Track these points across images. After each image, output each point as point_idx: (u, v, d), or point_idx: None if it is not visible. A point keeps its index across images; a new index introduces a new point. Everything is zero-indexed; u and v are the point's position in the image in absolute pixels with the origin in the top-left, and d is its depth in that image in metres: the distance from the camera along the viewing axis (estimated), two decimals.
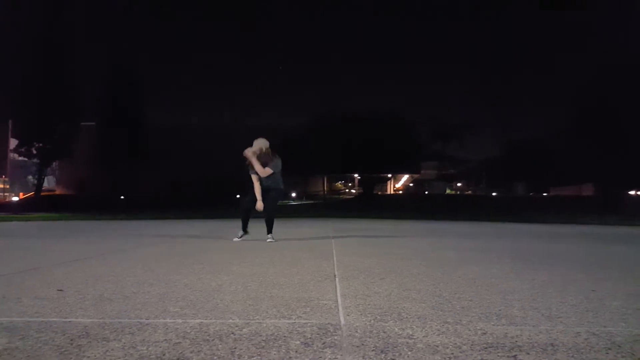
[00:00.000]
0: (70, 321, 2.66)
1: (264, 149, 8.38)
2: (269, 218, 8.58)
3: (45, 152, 44.86)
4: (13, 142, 49.96)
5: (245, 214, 8.71)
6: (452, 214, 26.72)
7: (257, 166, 8.29)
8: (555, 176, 57.85)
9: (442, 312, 2.93)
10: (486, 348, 2.20)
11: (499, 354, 2.11)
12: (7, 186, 64.22)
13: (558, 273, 4.70)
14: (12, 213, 28.57)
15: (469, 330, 2.52)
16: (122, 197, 43.38)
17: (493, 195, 60.85)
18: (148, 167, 46.48)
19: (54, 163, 54.07)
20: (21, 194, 57.12)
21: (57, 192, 59.13)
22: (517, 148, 65.20)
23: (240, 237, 8.54)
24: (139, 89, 48.41)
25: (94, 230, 12.39)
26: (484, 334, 2.45)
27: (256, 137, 8.53)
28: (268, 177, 8.37)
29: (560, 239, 10.25)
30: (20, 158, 49.53)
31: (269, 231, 8.51)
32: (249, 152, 8.34)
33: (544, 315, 2.87)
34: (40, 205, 37.42)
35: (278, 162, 8.48)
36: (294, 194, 57.36)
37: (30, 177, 56.51)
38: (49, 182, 57.89)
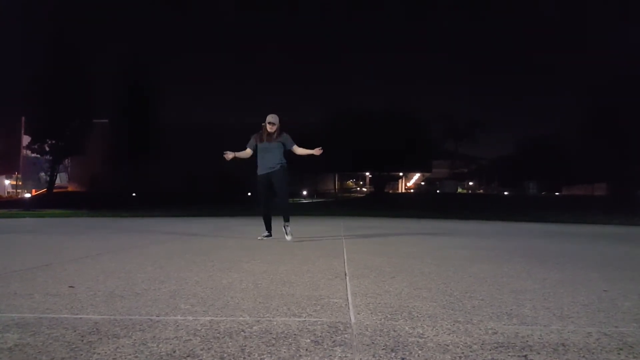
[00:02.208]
0: (81, 317, 2.68)
1: (278, 124, 8.30)
2: (283, 202, 8.36)
3: (58, 148, 45.17)
4: (26, 139, 50.37)
5: (268, 214, 8.48)
6: (463, 212, 26.62)
7: (303, 151, 8.42)
8: (568, 176, 57.65)
9: (452, 311, 2.92)
10: (497, 347, 2.19)
11: (510, 354, 2.10)
12: (20, 183, 64.67)
13: (570, 273, 4.67)
14: (25, 209, 28.74)
15: (480, 329, 2.51)
16: (133, 194, 43.57)
17: (505, 194, 60.59)
18: (160, 164, 46.66)
19: (67, 160, 54.47)
20: (33, 190, 57.48)
21: (70, 188, 59.57)
22: (529, 147, 65.01)
23: (265, 237, 8.38)
24: (152, 86, 48.53)
25: (105, 227, 12.45)
26: (495, 333, 2.44)
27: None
28: (274, 153, 8.21)
29: (572, 239, 10.19)
30: (33, 155, 49.91)
31: (287, 219, 8.26)
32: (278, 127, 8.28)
33: (556, 315, 2.86)
34: (53, 202, 37.63)
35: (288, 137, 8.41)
36: (304, 192, 57.36)
37: (42, 173, 56.86)
38: (61, 179, 58.32)
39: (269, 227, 8.49)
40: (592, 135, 45.83)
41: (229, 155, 8.46)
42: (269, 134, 8.23)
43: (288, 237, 8.11)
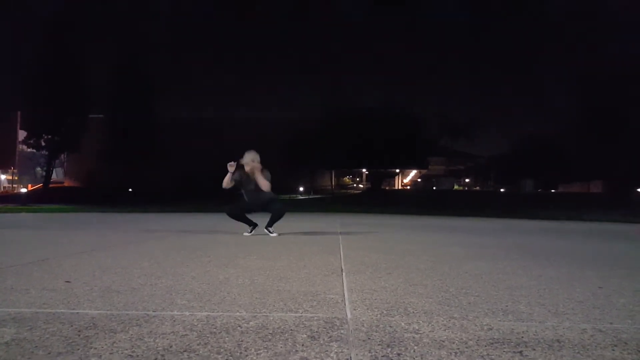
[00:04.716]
0: (77, 312, 2.68)
1: (256, 162, 8.24)
2: (279, 213, 8.46)
3: (54, 144, 45.02)
4: (22, 134, 50.23)
5: (239, 215, 8.57)
6: (459, 209, 26.65)
7: (262, 181, 8.19)
8: (564, 173, 57.72)
9: (448, 308, 2.93)
10: (492, 343, 2.20)
11: (505, 350, 2.11)
12: (16, 177, 64.56)
13: (565, 270, 4.69)
14: (21, 204, 28.67)
15: (475, 325, 2.52)
16: (130, 189, 43.45)
17: (501, 192, 60.61)
18: (156, 160, 46.53)
19: (63, 155, 54.30)
20: (29, 185, 57.41)
21: (66, 184, 59.47)
22: (526, 145, 65.06)
23: (251, 232, 8.42)
24: (148, 82, 48.40)
25: (102, 223, 12.44)
26: (490, 329, 2.45)
27: (249, 150, 8.34)
28: (263, 192, 8.25)
29: (568, 236, 10.22)
30: (29, 150, 49.80)
31: (270, 224, 8.43)
32: (252, 166, 8.20)
33: (551, 312, 2.86)
34: (49, 197, 37.57)
35: (269, 174, 8.35)
36: (301, 189, 57.35)
37: (38, 168, 56.84)
38: (57, 174, 58.19)
39: (248, 221, 8.53)
40: (588, 132, 45.91)
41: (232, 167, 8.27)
42: (249, 175, 8.29)
43: (267, 233, 8.34)
